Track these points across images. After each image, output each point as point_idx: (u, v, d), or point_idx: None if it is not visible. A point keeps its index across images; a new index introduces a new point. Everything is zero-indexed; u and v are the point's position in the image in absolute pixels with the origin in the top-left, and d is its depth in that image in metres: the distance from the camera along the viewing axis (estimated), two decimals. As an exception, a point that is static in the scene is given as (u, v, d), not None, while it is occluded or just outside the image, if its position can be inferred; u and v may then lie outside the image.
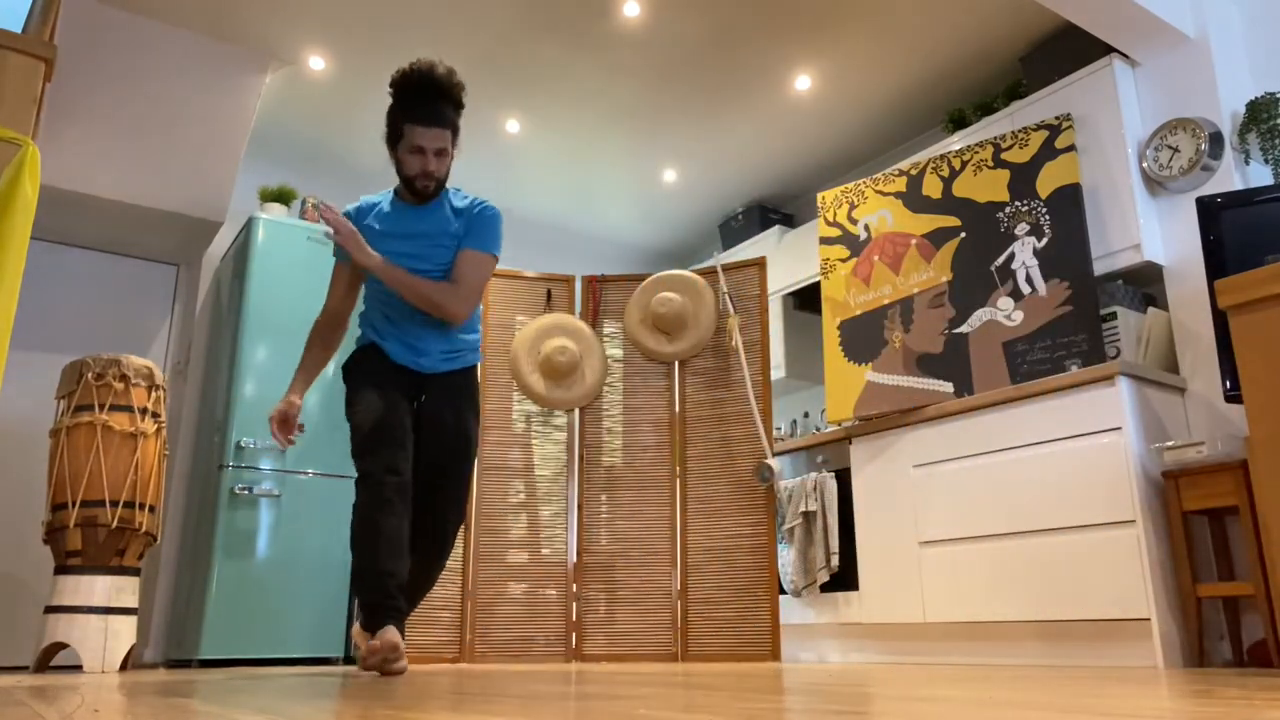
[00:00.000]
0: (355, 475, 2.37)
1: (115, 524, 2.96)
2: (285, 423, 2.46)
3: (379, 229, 2.54)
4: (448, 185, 2.62)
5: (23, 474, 4.05)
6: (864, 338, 3.79)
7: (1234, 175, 3.15)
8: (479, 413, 2.68)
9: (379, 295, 2.60)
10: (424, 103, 2.40)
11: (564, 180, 5.12)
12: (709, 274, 3.95)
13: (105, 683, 2.07)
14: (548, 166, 4.98)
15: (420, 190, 2.49)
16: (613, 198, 5.31)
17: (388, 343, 2.55)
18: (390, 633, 2.19)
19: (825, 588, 3.70)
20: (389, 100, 2.49)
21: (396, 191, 2.61)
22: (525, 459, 3.88)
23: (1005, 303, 3.43)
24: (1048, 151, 3.47)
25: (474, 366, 2.70)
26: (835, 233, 4.02)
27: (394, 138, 2.46)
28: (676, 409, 3.86)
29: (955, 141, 4.02)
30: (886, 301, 3.77)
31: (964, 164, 3.69)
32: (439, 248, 2.55)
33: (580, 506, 3.80)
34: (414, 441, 2.51)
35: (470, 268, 2.55)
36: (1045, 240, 3.39)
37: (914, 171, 3.83)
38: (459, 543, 3.79)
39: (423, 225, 2.56)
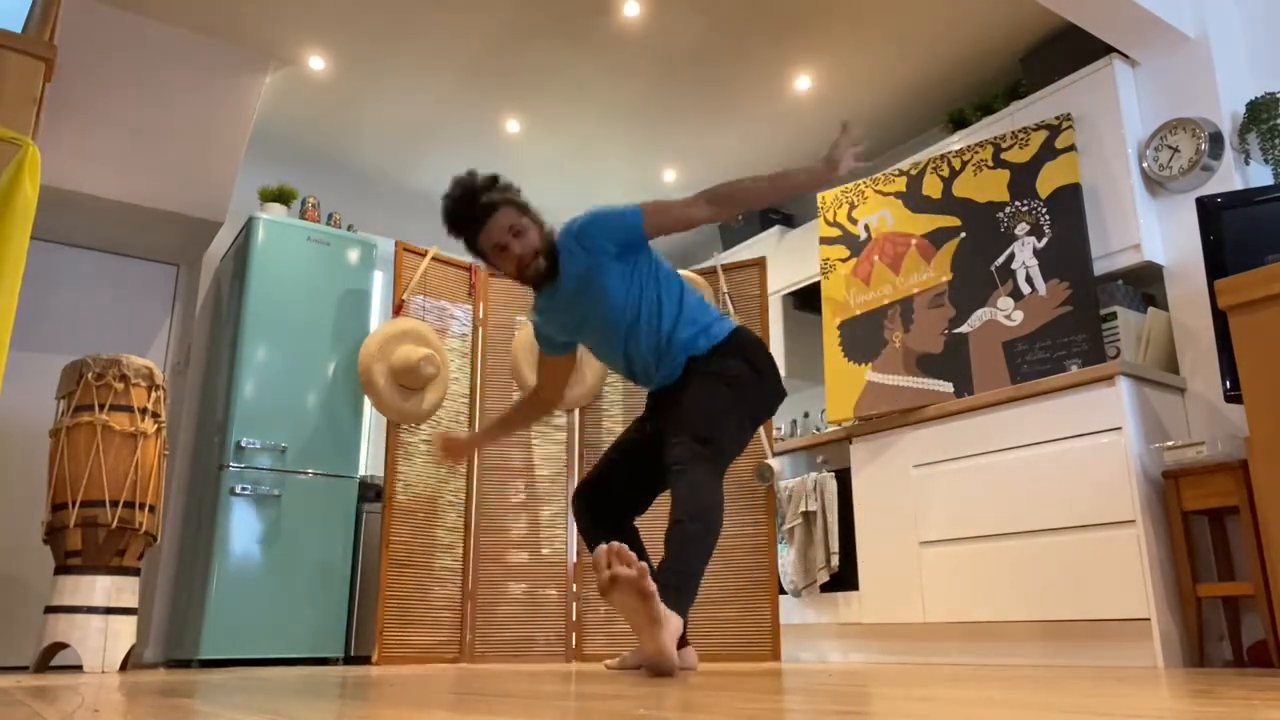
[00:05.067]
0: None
1: (115, 524, 2.96)
2: (451, 447, 2.65)
3: (554, 315, 2.47)
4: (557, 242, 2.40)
5: (23, 474, 4.05)
6: (864, 338, 3.79)
7: (1234, 175, 3.15)
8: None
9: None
10: (466, 215, 2.31)
11: (564, 180, 5.12)
12: (709, 274, 3.94)
13: (105, 683, 2.07)
14: (548, 166, 4.98)
15: (534, 278, 2.35)
16: (613, 198, 5.31)
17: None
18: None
19: (825, 588, 3.70)
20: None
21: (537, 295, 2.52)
22: (525, 459, 3.88)
23: (1005, 303, 3.43)
24: (1048, 151, 3.47)
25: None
26: (835, 233, 4.02)
27: (485, 261, 2.37)
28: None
29: (955, 141, 4.02)
30: (886, 301, 3.77)
31: (964, 164, 3.69)
32: (609, 296, 2.34)
33: (580, 506, 3.79)
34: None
35: (660, 216, 2.36)
36: (1045, 240, 3.39)
37: (914, 171, 3.83)
38: (458, 543, 3.80)
39: (572, 290, 2.37)
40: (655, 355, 2.38)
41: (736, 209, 2.42)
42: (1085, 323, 3.21)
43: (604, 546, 1.80)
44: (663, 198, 2.78)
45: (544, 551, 3.77)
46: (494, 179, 2.34)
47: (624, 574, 1.77)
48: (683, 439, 2.19)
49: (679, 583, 1.96)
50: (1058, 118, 3.48)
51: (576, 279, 2.34)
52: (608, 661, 2.56)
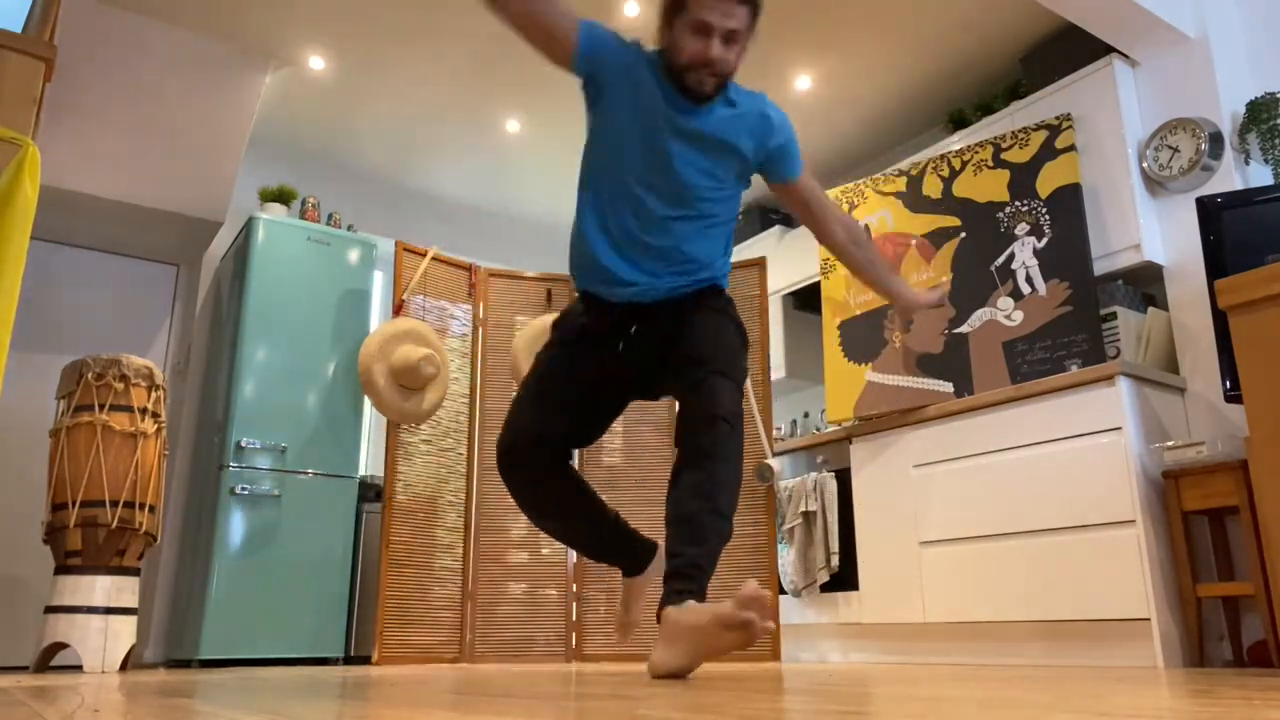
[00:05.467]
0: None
1: (115, 524, 2.96)
2: None
3: (630, 97, 1.92)
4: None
5: (23, 474, 4.05)
6: (864, 338, 3.79)
7: (1234, 175, 3.15)
8: None
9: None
10: None
11: (564, 180, 5.12)
12: (709, 274, 3.94)
13: (105, 683, 2.07)
14: (548, 166, 4.98)
15: (694, 86, 1.87)
16: (613, 198, 5.31)
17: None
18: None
19: (825, 588, 3.70)
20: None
21: (659, 68, 1.93)
22: (525, 459, 3.88)
23: (1005, 303, 3.43)
24: (1048, 151, 3.47)
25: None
26: (835, 233, 4.02)
27: (673, 7, 1.87)
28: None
29: (955, 141, 4.02)
30: (887, 302, 3.76)
31: (964, 164, 3.69)
32: (707, 176, 1.96)
33: (580, 506, 3.79)
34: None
35: (809, 183, 2.11)
36: (1045, 240, 3.39)
37: (914, 171, 3.83)
38: (458, 543, 3.80)
39: (689, 129, 1.93)
40: (680, 254, 1.99)
41: (848, 251, 2.20)
42: (1085, 323, 3.21)
43: (756, 590, 1.60)
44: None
45: (544, 551, 3.77)
46: None
47: (758, 629, 1.59)
48: (726, 382, 1.85)
49: (703, 586, 1.76)
50: (1058, 118, 3.48)
51: (710, 129, 1.94)
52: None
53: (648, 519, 3.71)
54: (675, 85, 1.90)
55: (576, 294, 2.11)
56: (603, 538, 2.12)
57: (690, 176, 1.94)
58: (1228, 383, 2.68)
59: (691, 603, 1.69)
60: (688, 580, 1.73)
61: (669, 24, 1.89)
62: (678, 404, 1.96)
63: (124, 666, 3.00)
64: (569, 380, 2.03)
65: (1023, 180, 3.51)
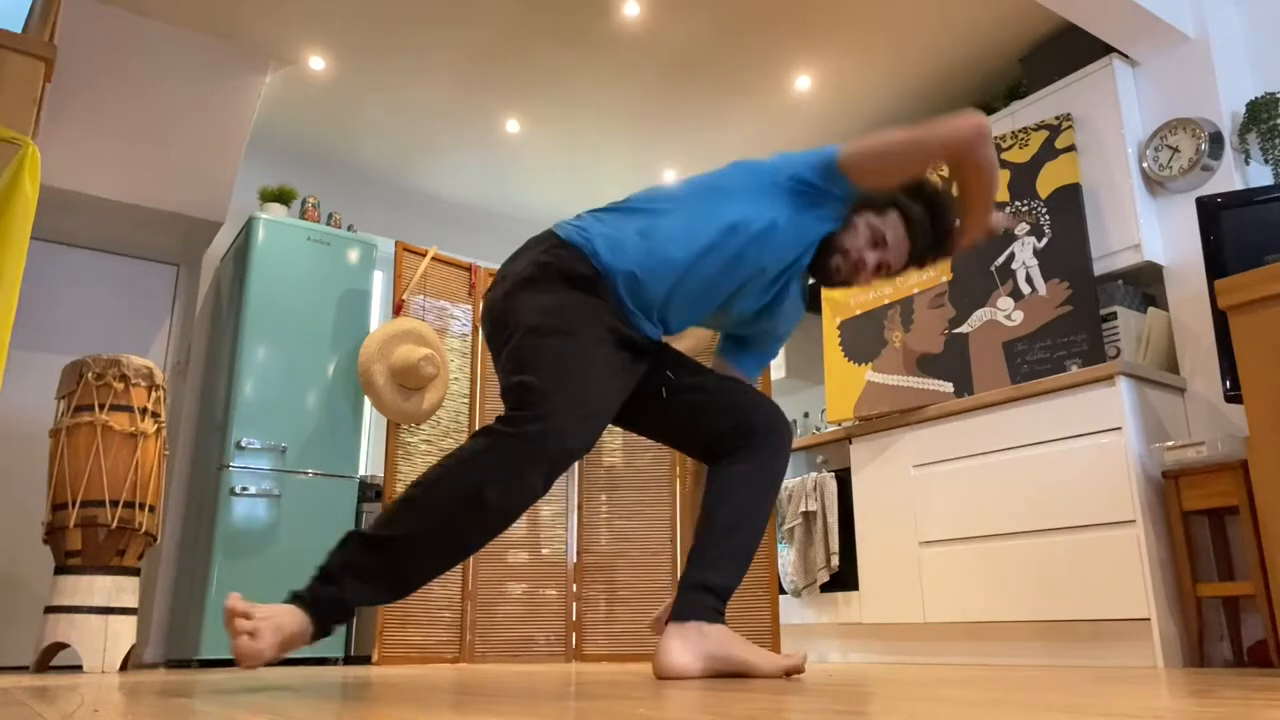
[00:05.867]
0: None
1: (115, 524, 2.96)
2: None
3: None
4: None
5: (23, 474, 4.05)
6: (864, 338, 3.79)
7: (1234, 175, 3.15)
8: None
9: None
10: (929, 226, 1.90)
11: (564, 180, 5.12)
12: (709, 274, 3.94)
13: (105, 683, 2.07)
14: (548, 166, 4.98)
15: (830, 268, 1.89)
16: (613, 198, 5.31)
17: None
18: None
19: (825, 588, 3.70)
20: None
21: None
22: (525, 459, 3.88)
23: (1005, 303, 3.43)
24: (1048, 151, 3.47)
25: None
26: (835, 233, 4.02)
27: (872, 204, 1.88)
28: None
29: (955, 141, 4.01)
30: (886, 301, 3.77)
31: (964, 164, 3.69)
32: (750, 318, 2.01)
33: (580, 506, 3.80)
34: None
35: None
36: (1045, 240, 3.39)
37: (914, 171, 3.83)
38: (459, 543, 3.79)
39: (777, 292, 1.96)
40: (677, 328, 1.96)
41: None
42: (1085, 323, 3.21)
43: (804, 661, 1.80)
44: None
45: (544, 551, 3.77)
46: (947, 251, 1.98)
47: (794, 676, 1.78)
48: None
49: (724, 605, 1.82)
50: (1058, 118, 3.48)
51: (790, 302, 2.00)
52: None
53: (647, 520, 3.71)
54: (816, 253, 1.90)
55: (592, 268, 1.78)
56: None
57: (749, 306, 1.93)
58: (1228, 383, 2.68)
59: (723, 625, 1.79)
60: (722, 602, 1.80)
61: (858, 209, 1.87)
62: (717, 412, 1.94)
63: (124, 666, 3.00)
64: (613, 373, 1.78)
65: (1023, 180, 3.51)
